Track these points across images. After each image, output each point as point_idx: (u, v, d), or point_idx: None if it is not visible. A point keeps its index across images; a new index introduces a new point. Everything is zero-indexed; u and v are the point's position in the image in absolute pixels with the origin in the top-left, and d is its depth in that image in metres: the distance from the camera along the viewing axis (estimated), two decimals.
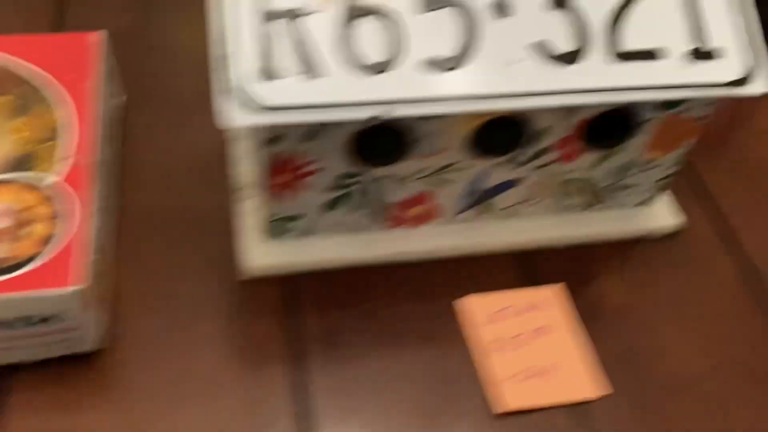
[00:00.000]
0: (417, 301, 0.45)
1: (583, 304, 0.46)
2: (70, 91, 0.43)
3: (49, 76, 0.44)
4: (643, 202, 0.50)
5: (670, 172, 0.47)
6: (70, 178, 0.40)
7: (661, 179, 0.48)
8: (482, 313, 0.45)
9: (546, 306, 0.45)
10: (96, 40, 0.46)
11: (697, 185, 0.53)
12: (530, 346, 0.43)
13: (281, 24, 0.35)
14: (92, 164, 0.40)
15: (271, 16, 0.35)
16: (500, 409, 0.40)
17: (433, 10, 0.37)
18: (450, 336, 0.44)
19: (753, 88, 0.40)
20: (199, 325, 0.42)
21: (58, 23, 0.59)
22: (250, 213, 0.46)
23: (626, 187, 0.48)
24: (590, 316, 0.45)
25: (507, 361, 0.43)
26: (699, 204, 0.52)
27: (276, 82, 0.35)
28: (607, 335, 0.44)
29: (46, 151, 0.41)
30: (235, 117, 0.34)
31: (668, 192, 0.51)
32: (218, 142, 0.51)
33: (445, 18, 0.37)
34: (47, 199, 0.39)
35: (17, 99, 0.43)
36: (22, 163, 0.40)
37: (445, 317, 0.44)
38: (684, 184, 0.53)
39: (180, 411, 0.39)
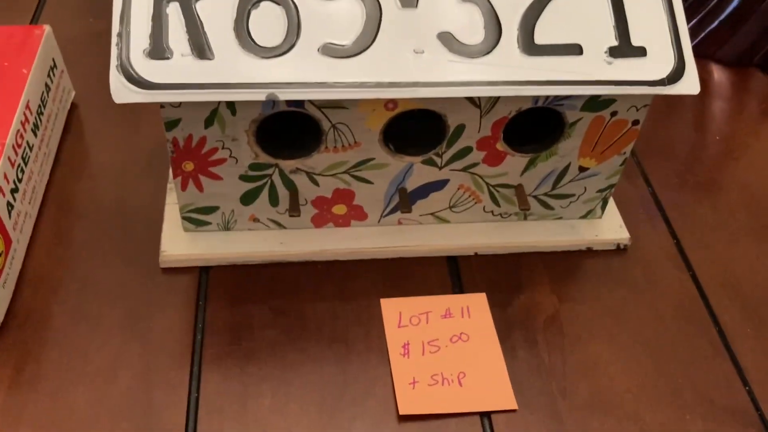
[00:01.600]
0: (336, 300, 0.44)
1: (509, 315, 0.43)
2: (2, 80, 0.44)
3: None
4: (587, 215, 0.47)
5: (610, 182, 0.45)
6: None
7: (601, 190, 0.46)
8: (401, 315, 0.43)
9: (466, 314, 0.43)
10: (40, 33, 0.48)
11: (650, 202, 0.51)
12: (443, 352, 0.41)
13: (175, 6, 0.35)
14: (2, 149, 0.41)
15: None
16: (402, 412, 0.39)
17: None
18: (366, 336, 0.42)
19: (679, 88, 0.38)
20: (107, 309, 0.42)
21: (35, 20, 0.62)
22: (175, 204, 0.46)
23: (564, 196, 0.46)
24: (514, 327, 0.43)
25: (418, 364, 0.41)
26: (650, 221, 0.49)
27: (164, 62, 0.35)
28: (529, 348, 0.42)
29: None
30: (121, 93, 0.34)
31: (617, 206, 0.49)
32: (164, 141, 0.51)
33: (349, 6, 0.37)
34: None
35: None
36: None
37: (363, 318, 0.43)
38: (637, 200, 0.51)
39: (78, 390, 0.39)
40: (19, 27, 0.48)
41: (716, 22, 0.60)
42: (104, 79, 0.56)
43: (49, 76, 0.48)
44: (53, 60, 0.49)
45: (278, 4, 0.36)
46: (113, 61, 0.35)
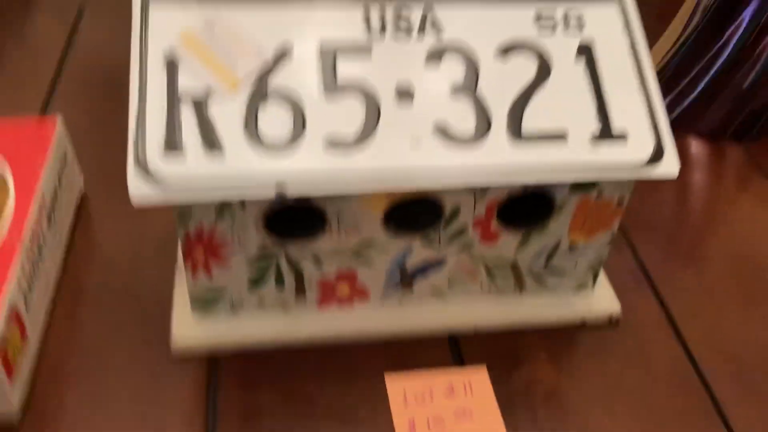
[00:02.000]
0: (343, 382, 0.45)
1: (510, 389, 0.45)
2: (18, 173, 0.46)
3: (2, 159, 0.47)
4: (578, 288, 0.50)
5: (599, 256, 0.48)
6: None
7: (592, 264, 0.48)
8: (405, 393, 0.44)
9: (468, 389, 0.45)
10: (52, 125, 0.50)
11: (638, 273, 0.53)
12: (449, 429, 0.43)
13: (188, 105, 0.38)
14: (21, 244, 0.43)
15: (180, 97, 0.38)
16: None
17: (338, 95, 0.40)
18: (374, 416, 0.43)
19: (660, 170, 0.41)
20: (120, 401, 0.43)
21: (45, 108, 0.64)
22: (183, 290, 0.47)
23: (556, 271, 0.48)
24: (515, 401, 0.44)
25: None
26: (640, 292, 0.52)
27: (180, 162, 0.37)
28: (531, 422, 0.43)
29: None
30: (140, 195, 0.36)
31: (607, 279, 0.51)
32: (173, 226, 0.53)
33: (350, 102, 0.40)
34: None
35: None
36: None
37: (370, 398, 0.44)
38: (626, 272, 0.53)
39: None
40: (32, 119, 0.50)
41: (690, 99, 0.64)
42: (111, 166, 0.58)
43: (61, 167, 0.50)
44: (65, 152, 0.51)
45: (285, 101, 0.39)
46: (130, 162, 0.37)
